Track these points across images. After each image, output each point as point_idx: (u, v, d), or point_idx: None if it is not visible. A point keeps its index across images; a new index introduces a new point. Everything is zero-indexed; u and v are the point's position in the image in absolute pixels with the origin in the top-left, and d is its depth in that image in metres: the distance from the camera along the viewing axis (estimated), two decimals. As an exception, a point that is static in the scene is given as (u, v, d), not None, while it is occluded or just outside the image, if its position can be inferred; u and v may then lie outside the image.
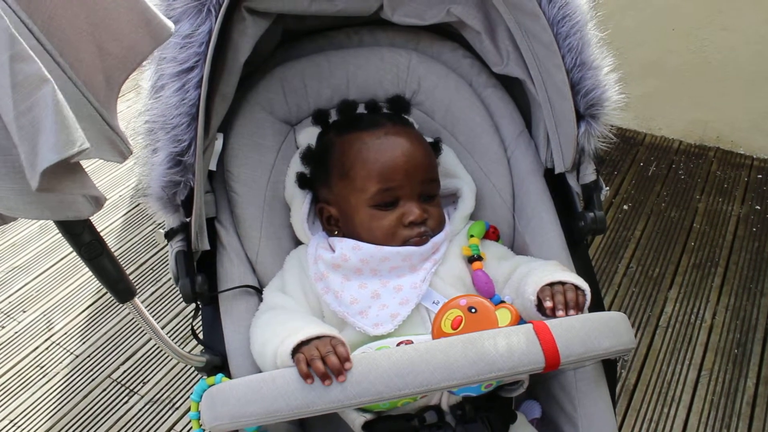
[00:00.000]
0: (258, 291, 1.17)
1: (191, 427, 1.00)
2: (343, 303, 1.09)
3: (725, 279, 2.25)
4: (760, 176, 2.72)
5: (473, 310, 1.00)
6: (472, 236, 1.19)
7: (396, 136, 1.19)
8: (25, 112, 0.64)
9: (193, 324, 1.13)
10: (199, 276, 1.10)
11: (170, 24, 0.76)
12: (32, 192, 0.69)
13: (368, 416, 1.00)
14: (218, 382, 0.97)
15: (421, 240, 1.14)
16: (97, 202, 0.73)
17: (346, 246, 1.14)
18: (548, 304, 0.98)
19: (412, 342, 1.03)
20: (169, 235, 1.09)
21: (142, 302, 0.90)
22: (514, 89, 1.34)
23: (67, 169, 0.69)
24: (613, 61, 1.13)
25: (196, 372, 1.87)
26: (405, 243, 1.14)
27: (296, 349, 0.92)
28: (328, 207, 1.21)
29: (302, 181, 1.24)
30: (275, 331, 1.01)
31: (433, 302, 1.10)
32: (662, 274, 2.28)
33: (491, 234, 1.25)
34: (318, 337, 0.94)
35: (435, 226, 1.17)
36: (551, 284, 1.01)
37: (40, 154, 0.64)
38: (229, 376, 1.06)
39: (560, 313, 0.97)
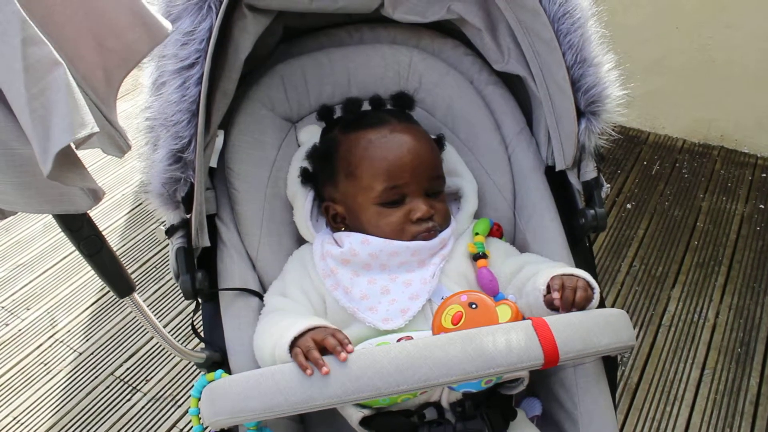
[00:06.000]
0: (257, 294, 1.16)
1: (193, 425, 1.00)
2: (353, 299, 1.10)
3: (728, 278, 2.25)
4: (764, 175, 2.71)
5: (474, 306, 1.00)
6: (477, 234, 1.20)
7: (401, 133, 1.19)
8: (37, 95, 0.64)
9: (194, 320, 1.14)
10: (200, 272, 1.10)
11: (167, 24, 0.77)
12: (32, 186, 0.69)
13: (366, 411, 1.00)
14: (218, 378, 0.97)
15: (429, 234, 1.15)
16: (95, 195, 0.73)
17: (354, 240, 1.14)
18: (555, 294, 0.98)
19: (412, 338, 1.03)
20: (170, 232, 1.09)
21: (145, 300, 0.91)
22: (515, 86, 1.34)
23: (70, 161, 0.70)
24: (615, 58, 1.13)
25: (197, 369, 1.87)
26: (414, 238, 1.15)
27: (293, 345, 0.93)
28: (334, 205, 1.21)
29: (305, 177, 1.25)
30: (270, 332, 1.02)
31: (442, 298, 1.10)
32: (665, 272, 2.27)
33: (495, 231, 1.25)
34: (312, 329, 0.95)
35: (441, 222, 1.18)
36: (563, 275, 1.01)
37: (53, 137, 0.64)
38: (229, 372, 1.06)
39: (567, 294, 0.98)
